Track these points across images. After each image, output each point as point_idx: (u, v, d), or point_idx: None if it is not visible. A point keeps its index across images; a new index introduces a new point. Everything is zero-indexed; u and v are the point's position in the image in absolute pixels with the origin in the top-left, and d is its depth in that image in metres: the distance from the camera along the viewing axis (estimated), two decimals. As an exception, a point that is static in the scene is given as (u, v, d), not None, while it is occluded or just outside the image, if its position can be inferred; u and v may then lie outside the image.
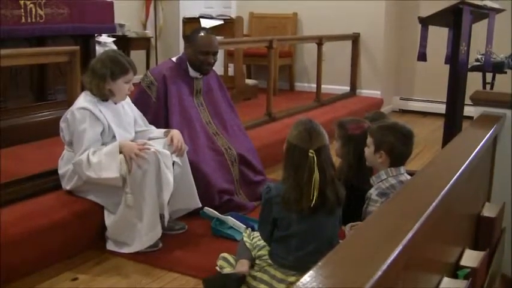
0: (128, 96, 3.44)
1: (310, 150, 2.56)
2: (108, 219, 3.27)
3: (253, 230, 3.02)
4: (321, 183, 2.56)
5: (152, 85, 3.85)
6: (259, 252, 2.75)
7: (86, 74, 3.30)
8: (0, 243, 2.78)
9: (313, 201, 2.54)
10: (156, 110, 3.84)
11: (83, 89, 3.37)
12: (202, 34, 3.93)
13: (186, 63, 3.95)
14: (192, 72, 3.97)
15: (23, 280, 2.90)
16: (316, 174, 2.54)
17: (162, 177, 3.21)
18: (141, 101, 3.82)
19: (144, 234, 3.19)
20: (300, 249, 2.62)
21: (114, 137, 3.27)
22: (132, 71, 3.31)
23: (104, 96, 3.27)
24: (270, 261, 2.69)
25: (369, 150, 3.01)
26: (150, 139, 3.41)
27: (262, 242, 2.80)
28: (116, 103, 3.36)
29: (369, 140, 3.01)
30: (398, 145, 2.90)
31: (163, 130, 3.51)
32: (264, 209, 2.73)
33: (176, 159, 3.35)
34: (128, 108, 3.46)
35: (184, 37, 6.83)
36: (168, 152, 3.28)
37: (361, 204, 3.05)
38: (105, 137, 3.25)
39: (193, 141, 3.81)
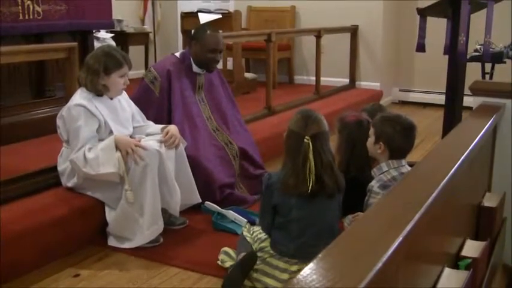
0: (124, 92, 3.44)
1: (306, 136, 2.60)
2: (109, 215, 3.28)
3: (253, 224, 3.02)
4: (317, 169, 2.60)
5: (156, 80, 3.84)
6: (261, 245, 2.76)
7: (81, 70, 3.31)
8: (0, 240, 2.78)
9: (310, 187, 2.58)
10: (160, 105, 3.84)
11: (80, 86, 3.37)
12: (209, 32, 3.93)
13: (190, 59, 3.95)
14: (195, 68, 3.97)
15: (24, 277, 2.91)
16: (311, 160, 2.58)
17: (169, 183, 3.25)
18: (144, 96, 3.83)
19: (146, 229, 3.19)
20: (300, 235, 2.63)
21: (111, 132, 3.26)
22: (127, 65, 3.31)
23: (98, 91, 3.27)
24: (272, 251, 2.70)
25: (370, 141, 3.02)
26: (147, 135, 3.42)
27: (263, 235, 2.80)
28: (111, 98, 3.35)
29: (371, 131, 3.02)
30: (397, 137, 2.90)
31: (160, 126, 3.51)
32: (264, 196, 2.76)
33: (171, 167, 3.35)
34: (125, 103, 3.46)
35: (183, 32, 6.83)
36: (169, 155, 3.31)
37: (357, 195, 3.06)
38: (102, 133, 3.25)
39: (194, 136, 3.82)
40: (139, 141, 3.22)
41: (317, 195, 2.62)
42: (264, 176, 2.80)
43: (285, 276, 2.62)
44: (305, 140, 2.60)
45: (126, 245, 3.23)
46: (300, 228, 2.64)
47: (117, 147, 3.14)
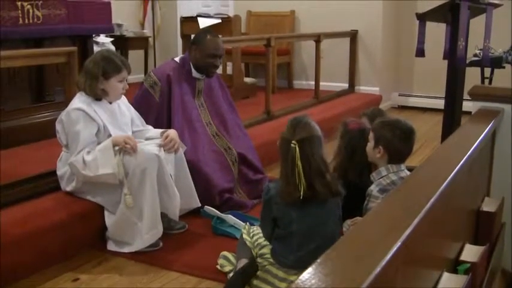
0: (124, 96, 3.44)
1: (293, 141, 2.58)
2: (109, 219, 3.28)
3: (252, 225, 3.01)
4: (305, 174, 2.57)
5: (155, 85, 3.85)
6: (261, 251, 2.75)
7: (80, 74, 3.32)
8: (0, 245, 2.78)
9: (302, 192, 2.56)
10: (159, 110, 3.84)
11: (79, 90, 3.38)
12: (209, 37, 3.93)
13: (189, 64, 3.95)
14: (194, 73, 3.97)
15: (24, 281, 2.91)
16: (299, 165, 2.56)
17: (169, 188, 3.25)
18: (144, 101, 3.83)
19: (145, 233, 3.19)
20: (301, 248, 2.61)
21: (110, 136, 3.26)
22: (126, 69, 3.31)
23: (96, 95, 3.27)
24: (271, 260, 2.69)
25: (369, 145, 3.02)
26: (147, 139, 3.42)
27: (263, 240, 2.79)
28: (110, 103, 3.36)
29: (370, 135, 3.02)
30: (396, 141, 2.90)
31: (160, 130, 3.51)
32: (264, 209, 2.75)
33: (171, 171, 3.35)
34: (124, 108, 3.47)
35: (183, 37, 6.83)
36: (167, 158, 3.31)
37: (355, 201, 3.06)
38: (101, 137, 3.25)
39: (194, 141, 3.82)
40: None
41: (310, 202, 2.60)
42: (264, 188, 2.79)
43: (283, 285, 2.61)
44: (292, 145, 2.59)
45: (126, 250, 3.23)
46: (300, 242, 2.62)
47: (116, 148, 3.16)
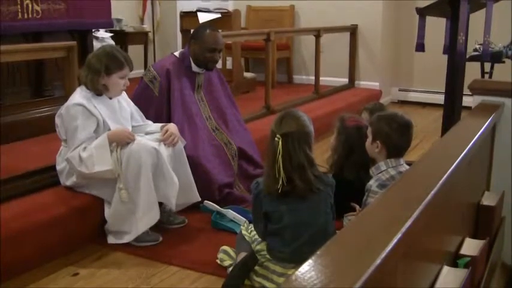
0: (124, 92, 3.44)
1: (277, 135, 2.59)
2: (108, 212, 3.28)
3: (251, 223, 3.02)
4: (286, 169, 2.57)
5: (155, 80, 3.85)
6: (258, 247, 2.75)
7: (82, 69, 3.31)
8: (0, 239, 2.78)
9: (281, 186, 2.56)
10: (159, 104, 3.84)
11: (80, 84, 3.37)
12: (208, 31, 3.92)
13: (189, 59, 3.95)
14: (194, 68, 3.97)
15: (23, 276, 2.91)
16: (279, 159, 2.56)
17: (166, 175, 3.23)
18: (143, 95, 3.83)
19: (139, 220, 3.18)
20: (294, 240, 2.62)
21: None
22: (128, 66, 3.31)
23: (97, 91, 3.27)
24: (268, 256, 2.69)
25: (368, 140, 3.02)
26: (147, 133, 3.42)
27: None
28: (110, 98, 3.35)
29: (369, 130, 3.02)
30: (394, 135, 2.90)
31: (160, 124, 3.51)
32: (255, 204, 2.76)
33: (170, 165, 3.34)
34: (124, 103, 3.46)
35: (182, 32, 6.82)
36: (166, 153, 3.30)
37: (351, 198, 3.06)
38: (101, 132, 3.24)
39: (193, 136, 3.82)
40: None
41: (288, 195, 2.60)
42: (252, 184, 2.79)
43: (282, 280, 2.62)
44: (275, 139, 2.59)
45: (125, 239, 3.22)
46: (293, 234, 2.63)
47: (113, 144, 3.15)
